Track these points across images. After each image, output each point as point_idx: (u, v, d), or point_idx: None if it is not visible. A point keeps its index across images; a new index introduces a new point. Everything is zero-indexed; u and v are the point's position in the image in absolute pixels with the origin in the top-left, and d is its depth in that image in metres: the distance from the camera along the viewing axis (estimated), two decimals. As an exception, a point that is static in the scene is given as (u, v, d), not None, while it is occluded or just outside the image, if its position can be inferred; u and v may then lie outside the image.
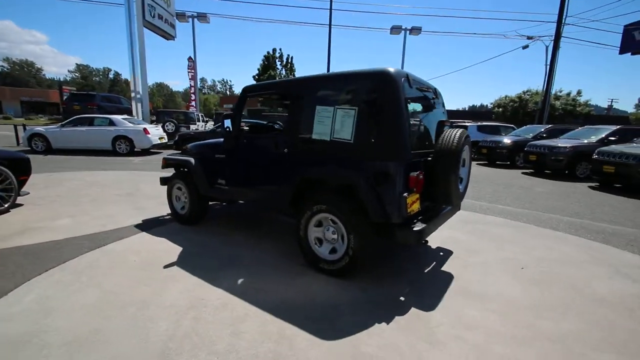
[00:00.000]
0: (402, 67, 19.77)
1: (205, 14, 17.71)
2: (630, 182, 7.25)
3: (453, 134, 2.69)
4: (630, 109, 67.93)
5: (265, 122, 4.76)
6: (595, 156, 8.11)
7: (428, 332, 2.10)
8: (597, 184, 8.46)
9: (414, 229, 2.46)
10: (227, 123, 3.45)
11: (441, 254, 3.44)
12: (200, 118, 16.68)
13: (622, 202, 6.43)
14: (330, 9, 18.34)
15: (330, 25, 18.91)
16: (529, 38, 21.79)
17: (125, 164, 9.39)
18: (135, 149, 11.35)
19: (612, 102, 51.02)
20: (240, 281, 2.70)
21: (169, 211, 4.63)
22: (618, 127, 9.65)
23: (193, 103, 18.96)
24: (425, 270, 3.04)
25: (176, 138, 11.97)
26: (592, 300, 2.60)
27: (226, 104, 45.78)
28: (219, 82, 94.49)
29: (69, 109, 14.38)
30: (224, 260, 3.11)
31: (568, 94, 34.33)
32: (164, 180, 4.47)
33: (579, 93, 35.62)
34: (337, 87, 2.77)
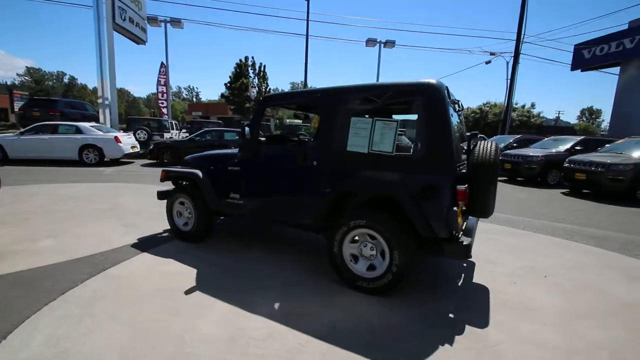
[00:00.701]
0: (377, 79, 20.28)
1: (179, 20, 17.02)
2: (600, 188, 7.84)
3: (490, 146, 2.70)
4: (573, 120, 74.85)
5: (280, 133, 4.55)
6: (566, 164, 8.71)
7: (492, 352, 2.03)
8: (568, 190, 9.07)
9: (463, 243, 2.41)
10: (248, 131, 3.23)
11: (464, 265, 3.43)
12: (175, 126, 15.91)
13: (596, 207, 6.92)
14: (307, 19, 18.47)
15: (307, 34, 19.01)
16: (491, 54, 23.32)
17: (96, 176, 8.64)
18: (105, 159, 10.53)
19: (559, 113, 55.91)
20: (277, 305, 2.49)
21: (164, 227, 4.29)
22: (582, 137, 10.50)
23: (165, 110, 18.04)
24: (459, 284, 3.01)
25: (151, 147, 11.27)
26: (621, 305, 2.69)
27: (195, 111, 44.32)
28: (184, 88, 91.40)
29: (27, 115, 13.07)
30: (249, 282, 2.87)
31: (523, 106, 37.15)
32: (162, 195, 4.11)
33: (532, 106, 38.74)
34: (375, 98, 2.69)
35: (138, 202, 5.81)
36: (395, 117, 3.04)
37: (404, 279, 2.54)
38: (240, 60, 32.11)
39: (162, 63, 17.61)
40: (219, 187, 3.58)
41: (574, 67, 21.16)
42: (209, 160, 3.81)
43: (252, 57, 32.42)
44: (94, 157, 10.34)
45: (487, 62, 24.59)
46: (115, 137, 10.49)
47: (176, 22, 17.08)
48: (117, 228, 4.29)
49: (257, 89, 32.68)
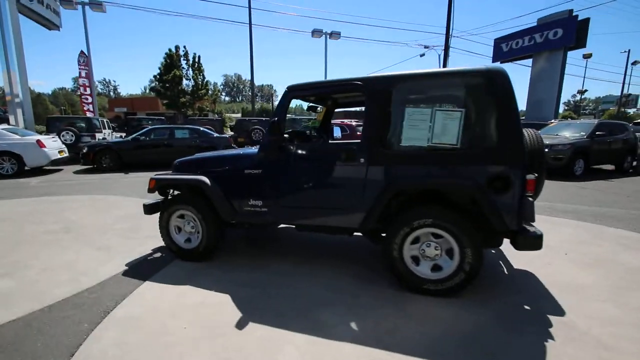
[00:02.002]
0: (326, 71, 20.22)
1: (100, 2, 14.49)
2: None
3: (535, 134, 2.71)
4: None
5: (303, 130, 4.07)
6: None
7: (592, 338, 2.02)
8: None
9: (537, 233, 2.37)
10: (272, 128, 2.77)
11: (492, 252, 3.48)
12: (107, 124, 13.81)
13: (546, 183, 7.78)
14: (250, 6, 17.44)
15: (250, 23, 17.99)
16: (425, 47, 24.84)
17: (20, 189, 7.06)
18: (26, 168, 8.69)
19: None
20: (353, 325, 2.18)
21: (150, 246, 3.63)
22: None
23: (90, 106, 15.44)
24: (505, 272, 3.02)
25: (84, 150, 9.61)
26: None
27: (118, 107, 39.51)
28: (99, 82, 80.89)
29: None
30: (299, 300, 2.50)
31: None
32: (152, 208, 3.41)
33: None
34: (433, 86, 2.49)
35: (96, 217, 4.83)
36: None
37: (476, 277, 2.43)
38: (170, 50, 29.25)
39: (81, 52, 14.99)
40: (234, 194, 3.07)
41: (494, 59, 23.66)
42: (214, 163, 3.24)
43: (185, 47, 29.80)
44: (10, 166, 8.44)
45: (422, 55, 26.20)
46: (38, 141, 8.70)
47: (97, 4, 14.53)
48: (89, 253, 3.47)
49: (192, 81, 30.23)
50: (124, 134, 14.71)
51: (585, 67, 60.63)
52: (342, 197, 2.73)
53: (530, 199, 2.31)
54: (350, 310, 2.35)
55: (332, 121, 5.03)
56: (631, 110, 42.96)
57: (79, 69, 15.23)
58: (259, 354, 1.90)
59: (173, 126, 11.47)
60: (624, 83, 35.02)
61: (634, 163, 9.83)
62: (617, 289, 2.67)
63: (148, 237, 3.94)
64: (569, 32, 19.43)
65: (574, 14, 20.20)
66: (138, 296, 2.60)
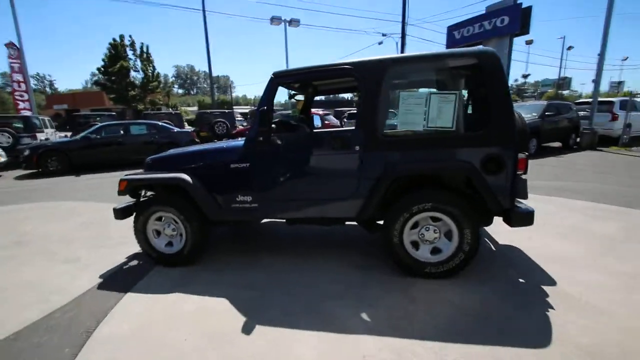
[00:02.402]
0: (287, 60, 19.78)
1: None
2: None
3: (519, 114, 2.81)
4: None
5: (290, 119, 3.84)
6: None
7: (587, 304, 2.16)
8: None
9: (528, 209, 2.46)
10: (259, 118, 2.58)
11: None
12: (49, 123, 12.38)
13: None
14: (202, -9, 16.42)
15: (204, 9, 16.98)
16: (383, 35, 25.16)
17: (-49, 201, 6.12)
18: (-46, 177, 7.56)
19: (431, 88, 65.00)
20: (365, 315, 2.13)
21: (124, 253, 3.33)
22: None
23: (26, 104, 13.63)
24: (493, 248, 3.14)
25: (26, 153, 8.57)
26: (612, 240, 3.23)
27: (57, 104, 35.85)
28: (31, 77, 72.55)
29: None
30: (306, 297, 2.40)
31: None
32: (124, 212, 3.09)
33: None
34: (426, 69, 2.46)
35: (55, 227, 4.33)
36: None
37: (474, 257, 2.48)
38: (115, 40, 26.87)
39: (10, 42, 13.14)
40: (220, 191, 2.86)
41: (447, 46, 24.52)
42: (195, 159, 2.99)
43: (130, 36, 27.51)
44: None
45: (380, 43, 26.57)
46: (-34, 145, 7.58)
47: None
48: (55, 268, 3.09)
49: (142, 73, 28.12)
50: (69, 134, 13.36)
51: (528, 53, 65.44)
52: (337, 187, 2.65)
53: (523, 177, 2.39)
54: (360, 301, 2.30)
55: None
56: (566, 92, 47.29)
57: (10, 63, 13.36)
58: (273, 358, 1.79)
59: (128, 122, 10.60)
60: (560, 67, 38.34)
61: (577, 139, 10.80)
62: (596, 256, 2.89)
63: (120, 243, 3.60)
64: (515, 19, 20.62)
65: (518, 1, 21.55)
66: (122, 311, 2.35)
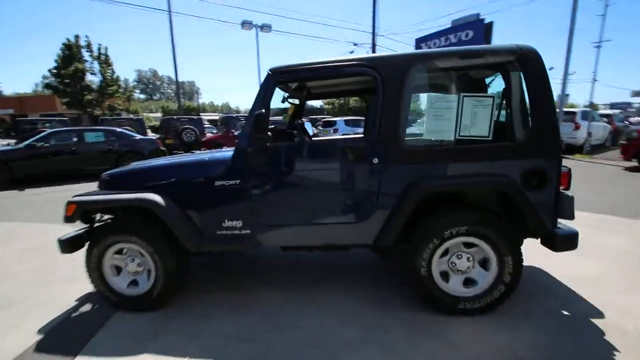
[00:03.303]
0: (259, 67, 19.16)
1: None
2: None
3: None
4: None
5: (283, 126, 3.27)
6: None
7: (650, 344, 1.85)
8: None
9: (572, 230, 2.14)
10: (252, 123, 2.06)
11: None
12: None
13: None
14: (168, -9, 15.45)
15: (169, 10, 15.99)
16: (355, 45, 25.35)
17: None
18: None
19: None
20: (402, 378, 1.66)
21: (70, 295, 2.65)
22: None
23: None
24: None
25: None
26: (620, 252, 3.04)
27: (1, 108, 32.42)
28: (-31, 78, 65.64)
29: None
30: (315, 349, 1.89)
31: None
32: (73, 243, 2.40)
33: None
34: (458, 68, 2.08)
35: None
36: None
37: (516, 289, 2.11)
38: (69, 41, 24.77)
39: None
40: (200, 215, 2.29)
41: (416, 57, 25.25)
42: (167, 174, 2.39)
43: (87, 37, 25.50)
44: None
45: (351, 52, 26.76)
46: None
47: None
48: (-26, 320, 2.33)
49: (100, 76, 26.13)
50: (13, 141, 11.81)
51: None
52: (350, 208, 2.19)
53: (569, 193, 2.07)
54: (386, 352, 1.83)
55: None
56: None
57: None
58: None
59: (82, 128, 9.48)
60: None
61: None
62: (628, 276, 2.65)
63: (69, 279, 2.88)
64: (478, 33, 21.63)
65: (480, 17, 22.68)
66: (70, 387, 1.70)
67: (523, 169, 2.02)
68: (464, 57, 2.06)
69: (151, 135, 15.32)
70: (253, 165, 2.20)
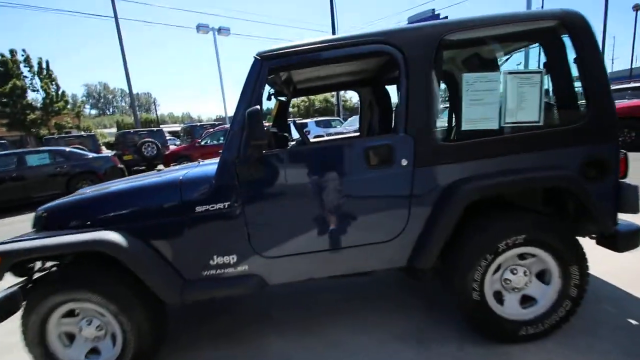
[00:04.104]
0: (219, 72, 18.23)
1: None
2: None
3: None
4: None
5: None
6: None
7: None
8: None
9: (633, 226, 1.81)
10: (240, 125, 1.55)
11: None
12: None
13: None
14: (113, -5, 14.21)
15: (116, 16, 14.73)
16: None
17: None
18: None
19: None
20: None
21: None
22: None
23: None
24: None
25: None
26: None
27: None
28: None
29: None
30: None
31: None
32: (2, 308, 1.73)
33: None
34: (497, 39, 1.69)
35: None
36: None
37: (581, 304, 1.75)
38: (3, 56, 22.36)
39: None
40: (179, 253, 1.73)
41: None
42: (126, 202, 1.79)
43: (24, 50, 23.17)
44: None
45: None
46: None
47: None
48: None
49: (43, 92, 23.83)
50: None
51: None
52: (376, 224, 1.74)
53: (632, 183, 1.75)
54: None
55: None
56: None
57: None
58: None
59: (21, 151, 8.30)
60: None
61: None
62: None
63: (5, 349, 2.16)
64: (435, 28, 22.23)
65: (435, 12, 23.31)
66: None
67: (582, 157, 1.67)
68: (502, 25, 1.66)
69: (106, 152, 14.01)
70: (246, 180, 1.67)
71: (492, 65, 1.87)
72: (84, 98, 77.19)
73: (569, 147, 1.68)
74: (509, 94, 1.63)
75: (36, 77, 23.87)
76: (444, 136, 1.71)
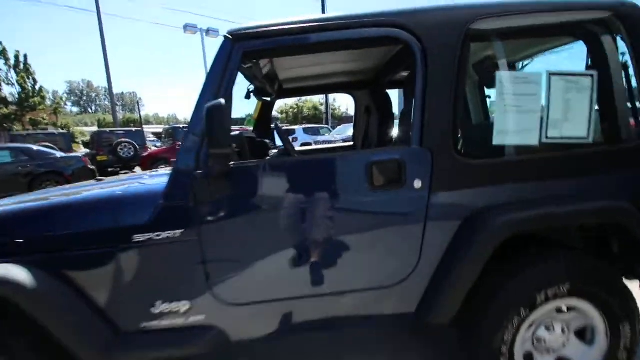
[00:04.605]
0: (207, 71, 17.75)
1: None
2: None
3: None
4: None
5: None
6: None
7: None
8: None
9: None
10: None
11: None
12: None
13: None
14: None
15: (98, 11, 14.11)
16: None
17: None
18: None
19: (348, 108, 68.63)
20: None
21: None
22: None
23: None
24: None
25: None
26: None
27: None
28: None
29: None
30: None
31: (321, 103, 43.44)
32: None
33: (334, 100, 45.72)
34: (537, 30, 1.33)
35: None
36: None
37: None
38: (-24, 47, 21.21)
39: None
40: (113, 295, 1.27)
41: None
42: (44, 224, 1.32)
43: (1, 43, 22.07)
44: None
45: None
46: None
47: None
48: None
49: (19, 87, 22.68)
50: None
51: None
52: (377, 263, 1.33)
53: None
54: None
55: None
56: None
57: None
58: None
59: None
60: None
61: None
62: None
63: None
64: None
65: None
66: None
67: (636, 184, 1.32)
68: (550, 12, 1.30)
69: (80, 151, 13.21)
70: (206, 200, 1.23)
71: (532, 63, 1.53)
72: (66, 95, 74.77)
73: (621, 170, 1.33)
74: (552, 102, 1.27)
75: (12, 71, 22.71)
76: (470, 152, 1.32)
